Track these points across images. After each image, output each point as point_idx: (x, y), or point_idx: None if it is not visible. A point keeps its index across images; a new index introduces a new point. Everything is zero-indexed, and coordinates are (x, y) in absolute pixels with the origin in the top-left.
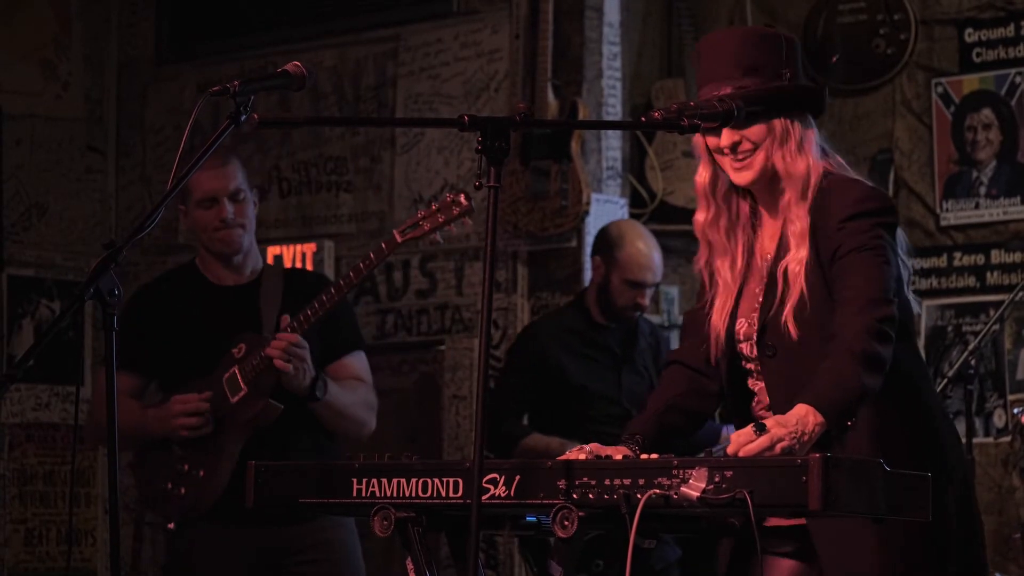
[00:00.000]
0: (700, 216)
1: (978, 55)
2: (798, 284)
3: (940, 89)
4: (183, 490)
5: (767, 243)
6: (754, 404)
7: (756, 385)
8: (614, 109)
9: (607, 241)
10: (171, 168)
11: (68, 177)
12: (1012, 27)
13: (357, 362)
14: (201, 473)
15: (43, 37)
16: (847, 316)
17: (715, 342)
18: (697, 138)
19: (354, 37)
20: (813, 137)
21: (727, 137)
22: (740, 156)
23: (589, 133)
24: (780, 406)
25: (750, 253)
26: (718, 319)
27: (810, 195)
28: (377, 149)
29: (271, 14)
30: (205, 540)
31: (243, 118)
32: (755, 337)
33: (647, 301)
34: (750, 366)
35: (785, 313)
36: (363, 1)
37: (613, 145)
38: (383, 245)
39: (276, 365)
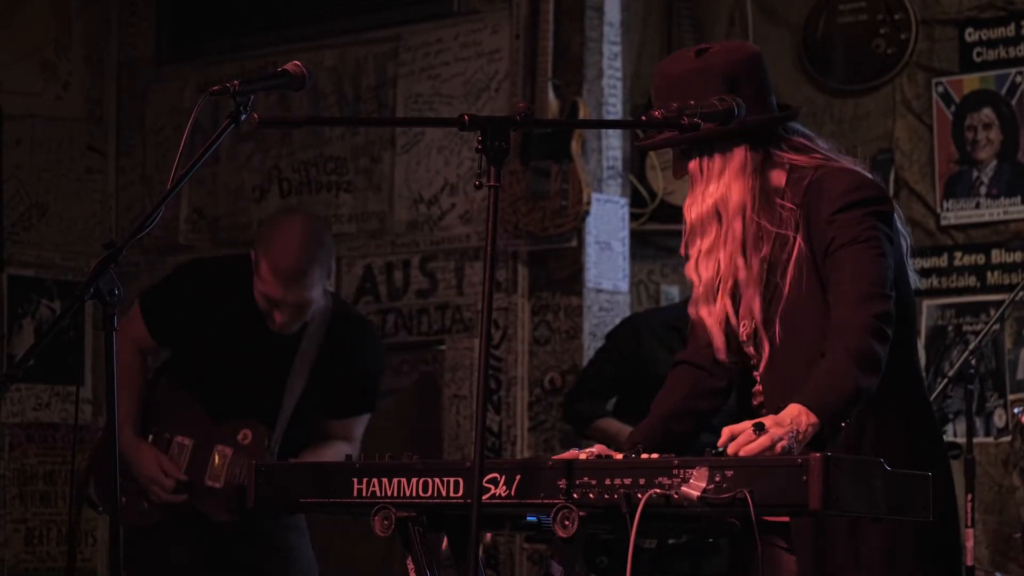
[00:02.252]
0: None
1: (978, 55)
2: (785, 284)
3: (940, 89)
4: (145, 504)
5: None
6: (755, 404)
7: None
8: (614, 109)
9: None
10: (171, 168)
11: (68, 177)
12: (1012, 27)
13: (357, 424)
14: (145, 505)
15: (43, 37)
16: (843, 313)
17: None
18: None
19: (354, 37)
20: (739, 156)
21: (678, 174)
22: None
23: (589, 133)
24: (773, 406)
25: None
26: (719, 318)
27: (751, 207)
28: (377, 149)
29: (271, 14)
30: (161, 545)
31: (243, 118)
32: (749, 338)
33: None
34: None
35: (773, 313)
36: (363, 1)
37: (613, 145)
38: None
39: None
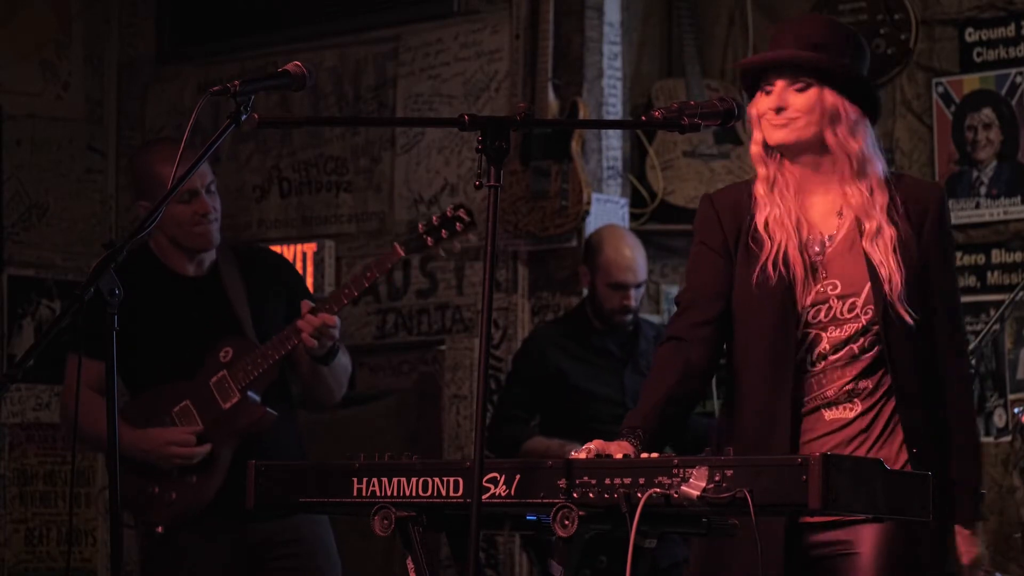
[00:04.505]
0: (761, 171)
1: (978, 55)
2: (898, 265)
3: (940, 89)
4: (174, 495)
5: (820, 216)
6: (814, 355)
7: (821, 344)
8: (614, 109)
9: (588, 249)
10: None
11: (68, 177)
12: (1012, 27)
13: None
14: (194, 479)
15: (43, 37)
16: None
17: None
18: (750, 108)
19: (354, 37)
20: (870, 130)
21: (773, 100)
22: (781, 119)
23: (589, 133)
24: (906, 377)
25: (799, 222)
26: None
27: (873, 184)
28: (377, 149)
29: (272, 14)
30: (185, 542)
31: (243, 118)
32: (871, 314)
33: (633, 302)
34: (808, 332)
35: (893, 288)
36: (363, 1)
37: (613, 145)
38: (384, 259)
39: (304, 340)
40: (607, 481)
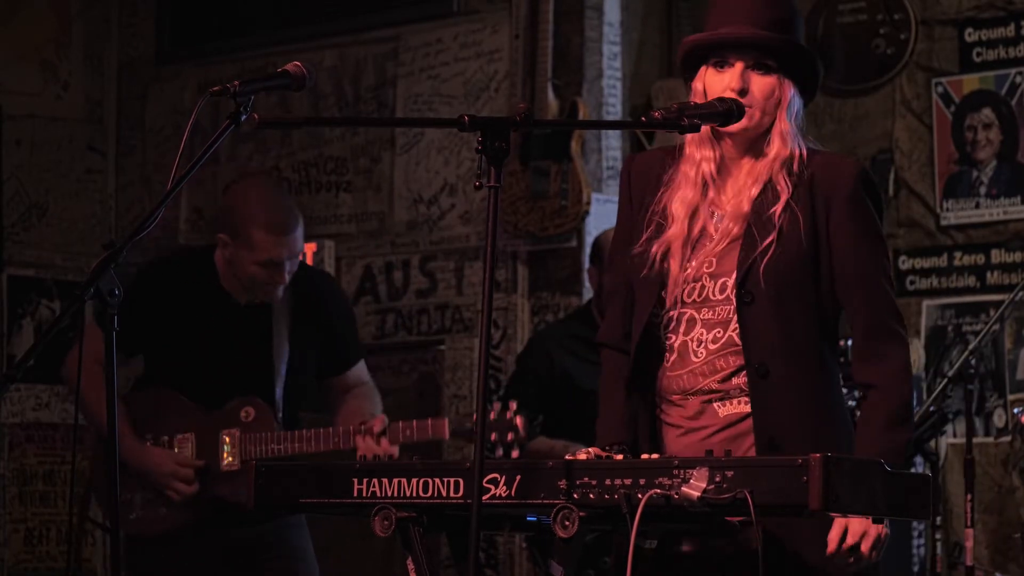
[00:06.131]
0: (704, 152)
1: (978, 55)
2: (776, 240)
3: (940, 89)
4: (163, 509)
5: (732, 196)
6: (671, 359)
7: (677, 339)
8: (614, 109)
9: (596, 250)
10: (171, 168)
11: (68, 177)
12: (1012, 27)
13: (360, 369)
14: (163, 510)
15: (43, 37)
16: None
17: (673, 283)
18: (696, 82)
19: (354, 37)
20: (800, 112)
21: (734, 80)
22: (745, 102)
23: (589, 133)
24: (756, 348)
25: (710, 202)
26: (673, 261)
27: (795, 166)
28: (377, 149)
29: (271, 14)
30: (163, 547)
31: (243, 118)
32: (733, 281)
33: None
34: (683, 312)
35: (764, 262)
36: (363, 1)
37: (613, 145)
38: (426, 429)
39: (359, 450)
40: (608, 482)
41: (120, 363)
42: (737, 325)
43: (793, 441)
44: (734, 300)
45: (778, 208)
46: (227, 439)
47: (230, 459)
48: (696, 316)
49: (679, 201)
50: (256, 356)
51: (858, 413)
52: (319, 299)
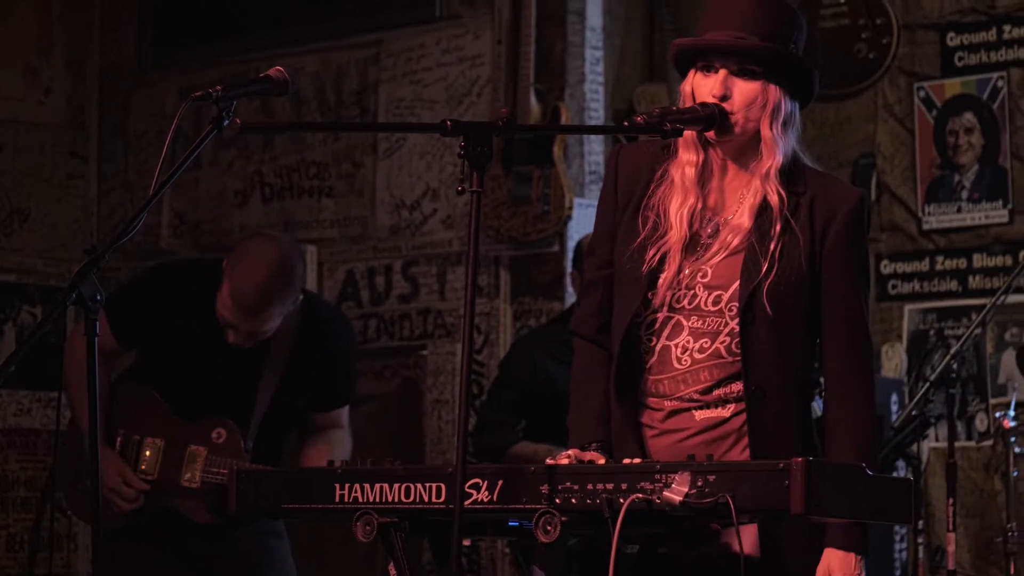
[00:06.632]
0: (688, 156)
1: (960, 59)
2: (778, 261)
3: (922, 93)
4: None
5: (726, 204)
6: (651, 361)
7: (659, 342)
8: (596, 114)
9: (579, 254)
10: (153, 174)
11: (50, 183)
12: (994, 31)
13: (342, 412)
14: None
15: (25, 43)
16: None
17: (662, 286)
18: (684, 85)
19: (336, 42)
20: (799, 120)
21: (717, 86)
22: (726, 108)
23: (571, 138)
24: (755, 371)
25: (703, 207)
26: (666, 264)
27: (794, 183)
28: (359, 154)
29: (253, 19)
30: (131, 550)
31: (225, 123)
32: (730, 295)
33: None
34: (670, 316)
35: (767, 284)
36: (345, 6)
37: (595, 150)
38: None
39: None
40: (589, 487)
41: (117, 353)
42: (726, 338)
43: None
44: (726, 314)
45: (779, 227)
46: (193, 456)
47: (190, 476)
48: (684, 322)
49: (679, 205)
50: (242, 381)
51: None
52: (324, 339)
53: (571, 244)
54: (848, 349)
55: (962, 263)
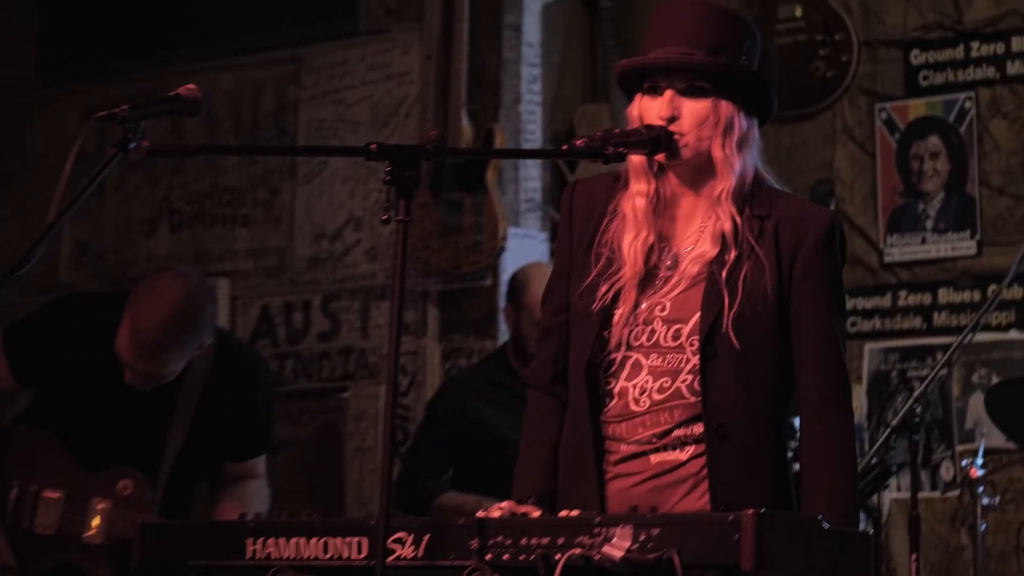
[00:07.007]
0: (638, 186)
1: (925, 78)
2: (741, 289)
3: (884, 115)
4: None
5: (683, 232)
6: (610, 404)
7: (617, 384)
8: (533, 136)
9: (513, 287)
10: (53, 200)
11: None
12: (961, 48)
13: (261, 462)
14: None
15: None
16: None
17: (619, 323)
18: (630, 109)
19: (253, 58)
20: (757, 139)
21: (664, 108)
22: (673, 130)
23: (506, 162)
24: (717, 409)
25: (659, 237)
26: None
27: (756, 205)
28: (277, 179)
29: (163, 33)
30: None
31: (132, 146)
32: (689, 329)
33: None
34: (628, 356)
35: (727, 318)
36: (263, 20)
37: (532, 175)
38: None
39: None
40: (523, 541)
41: (14, 392)
42: (688, 376)
43: (751, 506)
44: (687, 349)
45: (743, 254)
46: (96, 510)
47: (94, 532)
48: (643, 361)
49: (632, 239)
50: (148, 429)
51: (795, 466)
52: (239, 384)
53: (505, 277)
54: (823, 380)
55: (927, 298)
